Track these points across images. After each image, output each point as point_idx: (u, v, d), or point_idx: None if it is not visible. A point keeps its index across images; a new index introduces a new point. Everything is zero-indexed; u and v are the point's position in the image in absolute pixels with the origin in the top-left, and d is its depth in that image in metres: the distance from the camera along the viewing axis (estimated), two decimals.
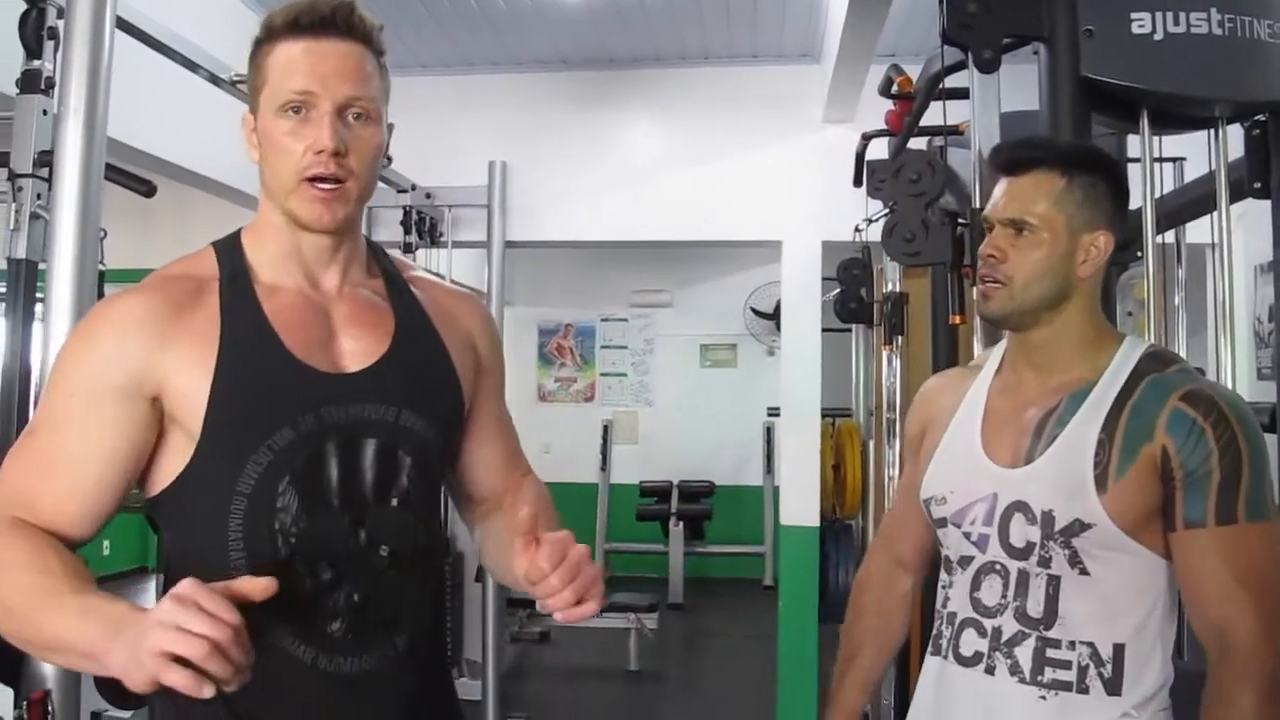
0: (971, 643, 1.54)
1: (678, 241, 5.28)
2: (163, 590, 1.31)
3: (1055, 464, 1.49)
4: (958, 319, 2.52)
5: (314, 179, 1.26)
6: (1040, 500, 1.48)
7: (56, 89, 2.00)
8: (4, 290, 2.10)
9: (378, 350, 1.34)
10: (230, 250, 1.34)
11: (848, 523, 5.19)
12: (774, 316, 7.92)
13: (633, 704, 5.82)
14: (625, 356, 9.52)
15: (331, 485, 1.27)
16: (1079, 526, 1.45)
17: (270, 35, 1.28)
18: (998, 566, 1.53)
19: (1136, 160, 2.14)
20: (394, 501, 1.31)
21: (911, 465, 1.76)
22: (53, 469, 1.22)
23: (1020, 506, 1.50)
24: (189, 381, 1.23)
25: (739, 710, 5.53)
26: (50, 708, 1.75)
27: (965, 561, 1.58)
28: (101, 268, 2.03)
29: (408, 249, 4.69)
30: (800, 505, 4.82)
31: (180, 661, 0.98)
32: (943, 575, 1.64)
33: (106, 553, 7.27)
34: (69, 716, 1.78)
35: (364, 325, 1.35)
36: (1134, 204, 2.15)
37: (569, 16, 4.50)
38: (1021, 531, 1.50)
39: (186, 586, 1.03)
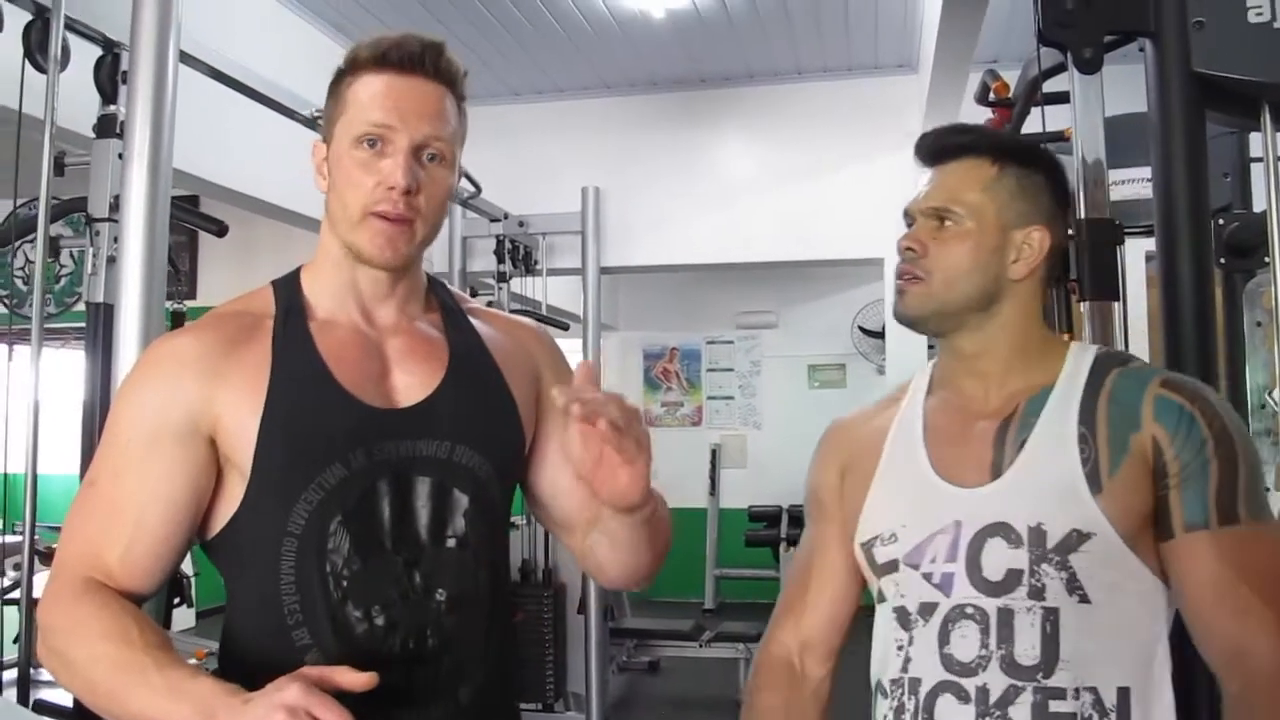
0: (951, 712, 1.25)
1: (774, 262, 5.18)
2: (224, 636, 1.28)
3: (1034, 469, 1.27)
4: (1065, 336, 2.38)
5: (381, 215, 1.22)
6: (1024, 515, 1.25)
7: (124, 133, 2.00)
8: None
9: (431, 384, 1.28)
10: (288, 287, 1.31)
11: None
12: (883, 335, 7.73)
13: None
14: (732, 379, 9.42)
15: (384, 526, 1.22)
16: (1077, 538, 1.22)
17: (354, 67, 1.26)
18: (969, 610, 1.26)
19: (1259, 160, 1.98)
20: (450, 543, 1.25)
21: (820, 521, 1.50)
22: (116, 518, 1.19)
23: (998, 529, 1.26)
24: (240, 418, 1.19)
25: None
26: None
27: (927, 610, 1.29)
28: (180, 306, 2.02)
29: (502, 278, 4.70)
30: None
31: None
32: (894, 634, 1.34)
33: None
34: None
35: (418, 359, 1.30)
36: (1259, 206, 1.99)
37: (657, 37, 4.46)
38: (1000, 559, 1.25)
39: (295, 694, 1.01)
